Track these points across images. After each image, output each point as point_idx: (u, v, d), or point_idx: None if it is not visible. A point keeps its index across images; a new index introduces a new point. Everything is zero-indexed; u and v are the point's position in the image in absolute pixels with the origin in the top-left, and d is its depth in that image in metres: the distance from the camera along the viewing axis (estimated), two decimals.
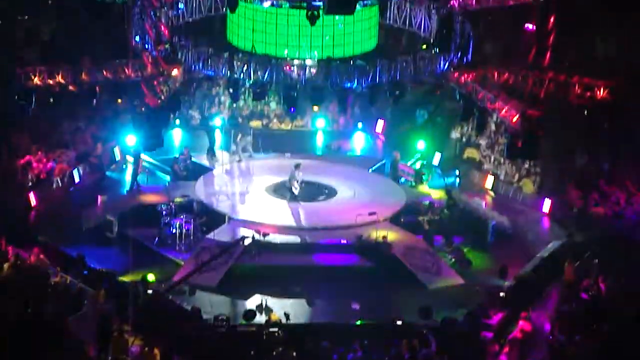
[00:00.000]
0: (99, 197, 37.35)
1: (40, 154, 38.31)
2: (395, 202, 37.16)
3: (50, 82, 35.58)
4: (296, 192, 37.02)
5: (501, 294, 31.26)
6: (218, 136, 42.68)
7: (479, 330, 29.29)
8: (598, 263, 32.04)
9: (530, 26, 38.81)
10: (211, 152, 40.94)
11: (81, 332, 27.89)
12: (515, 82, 38.51)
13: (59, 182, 38.49)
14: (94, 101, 36.79)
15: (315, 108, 39.65)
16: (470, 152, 41.94)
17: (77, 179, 39.02)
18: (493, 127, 41.23)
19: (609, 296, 30.45)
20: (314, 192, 37.85)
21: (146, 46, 38.28)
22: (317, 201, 37.39)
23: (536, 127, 37.29)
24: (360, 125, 43.81)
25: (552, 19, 37.19)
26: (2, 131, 37.91)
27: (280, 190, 37.65)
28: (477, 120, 39.02)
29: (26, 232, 34.24)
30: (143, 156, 39.56)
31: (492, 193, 39.52)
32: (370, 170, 40.66)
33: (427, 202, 36.94)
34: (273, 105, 44.32)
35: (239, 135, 40.85)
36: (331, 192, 37.90)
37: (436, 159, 41.35)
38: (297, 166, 37.32)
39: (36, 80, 35.16)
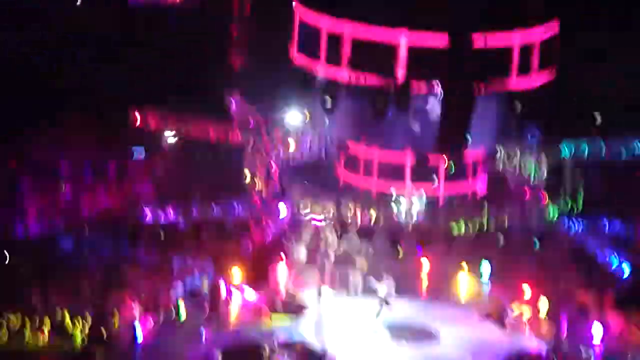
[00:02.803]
0: (204, 331, 37.55)
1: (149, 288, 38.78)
2: (500, 349, 36.56)
3: (160, 216, 36.37)
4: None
5: None
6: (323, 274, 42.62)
7: None
8: None
9: None
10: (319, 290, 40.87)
11: None
12: (625, 232, 38.29)
13: (166, 315, 38.76)
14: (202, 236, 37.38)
15: (420, 248, 39.50)
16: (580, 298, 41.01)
17: (183, 313, 39.20)
18: None
19: None
20: (415, 335, 37.47)
21: (256, 183, 39.03)
22: (419, 346, 36.99)
23: None
24: (465, 268, 43.25)
25: None
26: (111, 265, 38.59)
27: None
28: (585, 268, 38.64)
29: None
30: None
31: (599, 343, 38.57)
32: (474, 314, 40.13)
33: (532, 351, 36.21)
34: (378, 244, 44.17)
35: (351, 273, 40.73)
36: (434, 337, 37.45)
37: (544, 306, 40.60)
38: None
39: (147, 213, 35.93)
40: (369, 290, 40.17)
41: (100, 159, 41.41)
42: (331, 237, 43.74)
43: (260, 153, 38.76)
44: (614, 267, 37.16)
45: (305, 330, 37.18)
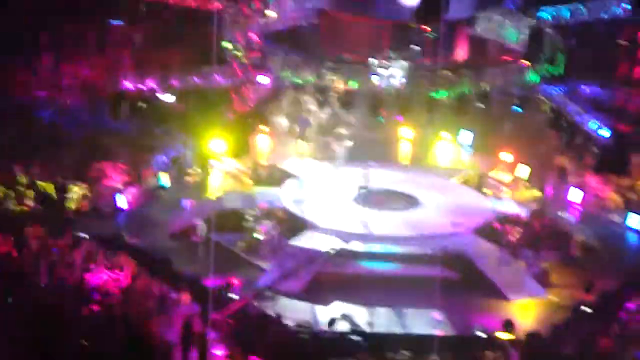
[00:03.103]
0: (186, 201, 37.85)
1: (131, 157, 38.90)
2: (480, 213, 36.94)
3: (141, 87, 36.27)
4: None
5: (586, 309, 30.95)
6: (304, 143, 42.87)
7: (563, 344, 29.00)
8: None
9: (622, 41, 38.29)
10: (297, 159, 41.13)
11: (166, 335, 28.31)
12: (605, 97, 38.36)
13: (148, 185, 39.00)
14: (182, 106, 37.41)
15: (401, 117, 39.69)
16: (560, 162, 41.35)
17: (165, 183, 39.45)
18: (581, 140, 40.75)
19: None
20: (397, 201, 37.83)
21: (236, 53, 38.86)
22: (400, 211, 37.32)
23: (626, 143, 37.06)
24: (446, 135, 43.59)
25: None
26: (93, 135, 38.67)
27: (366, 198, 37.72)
28: (565, 133, 38.79)
29: (115, 234, 34.78)
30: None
31: (578, 206, 39.05)
32: (455, 180, 40.48)
33: (512, 214, 36.63)
34: (359, 114, 44.20)
35: (332, 142, 40.86)
36: (414, 202, 37.80)
37: (523, 170, 41.02)
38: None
39: (127, 85, 35.82)
40: (350, 160, 40.48)
41: (78, 28, 41.07)
42: (312, 105, 43.74)
43: (239, 21, 38.49)
44: (593, 131, 37.32)
45: (287, 198, 37.45)
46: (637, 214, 37.61)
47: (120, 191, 37.63)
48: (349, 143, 40.69)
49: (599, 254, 35.60)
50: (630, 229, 37.63)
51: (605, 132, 37.24)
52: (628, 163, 37.79)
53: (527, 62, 38.46)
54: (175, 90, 37.68)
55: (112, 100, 36.45)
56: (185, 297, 30.30)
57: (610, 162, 37.49)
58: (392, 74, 38.84)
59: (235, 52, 39.06)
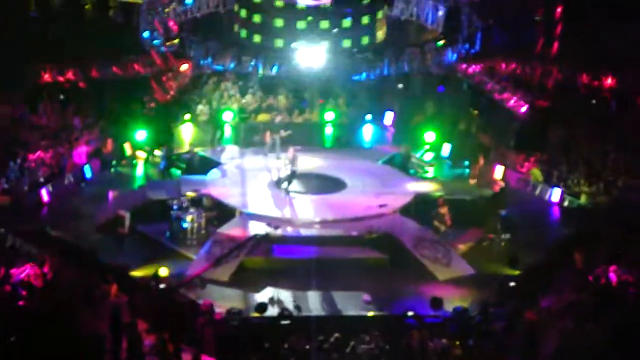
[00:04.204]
0: (111, 192, 37.63)
1: (52, 151, 38.43)
2: (405, 194, 37.16)
3: (60, 79, 35.92)
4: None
5: (511, 284, 31.37)
6: (228, 130, 42.78)
7: (491, 319, 29.38)
8: (608, 252, 32.13)
9: (537, 17, 38.73)
10: (221, 147, 41.00)
11: (96, 327, 28.16)
12: (523, 73, 38.84)
13: (71, 178, 38.66)
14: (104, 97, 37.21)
15: (322, 101, 39.81)
16: (482, 140, 41.69)
17: (88, 175, 39.15)
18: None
19: (619, 284, 30.58)
20: (323, 184, 37.94)
21: (155, 42, 38.70)
22: (327, 194, 37.42)
23: (544, 118, 37.62)
24: (369, 117, 43.84)
25: (559, 10, 37.25)
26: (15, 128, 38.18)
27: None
28: (485, 111, 39.26)
29: (39, 228, 34.40)
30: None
31: (501, 183, 39.46)
32: (380, 162, 40.71)
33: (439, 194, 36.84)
34: (282, 99, 44.23)
35: (268, 133, 40.66)
36: (340, 185, 37.94)
37: (445, 149, 41.40)
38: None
39: (46, 77, 35.47)
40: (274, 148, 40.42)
41: None
42: (233, 91, 43.65)
43: (156, 9, 38.28)
44: (512, 108, 37.81)
45: (212, 186, 37.35)
46: (559, 187, 38.18)
47: (42, 184, 37.22)
48: (285, 133, 40.44)
49: (522, 229, 36.04)
50: (553, 203, 38.19)
51: (524, 109, 37.73)
52: (547, 138, 38.32)
53: (445, 42, 38.83)
54: (95, 79, 37.38)
55: (30, 92, 36.03)
56: (113, 289, 30.14)
57: (529, 138, 37.98)
58: (313, 57, 38.81)
59: (154, 40, 38.89)
